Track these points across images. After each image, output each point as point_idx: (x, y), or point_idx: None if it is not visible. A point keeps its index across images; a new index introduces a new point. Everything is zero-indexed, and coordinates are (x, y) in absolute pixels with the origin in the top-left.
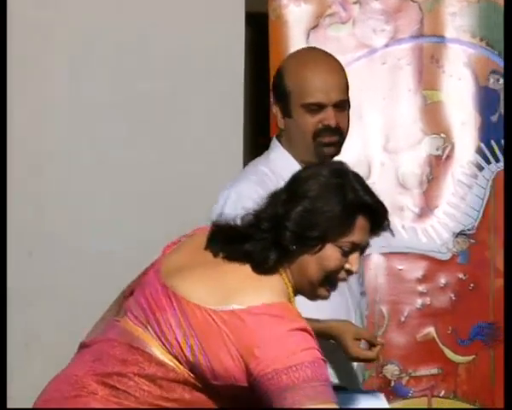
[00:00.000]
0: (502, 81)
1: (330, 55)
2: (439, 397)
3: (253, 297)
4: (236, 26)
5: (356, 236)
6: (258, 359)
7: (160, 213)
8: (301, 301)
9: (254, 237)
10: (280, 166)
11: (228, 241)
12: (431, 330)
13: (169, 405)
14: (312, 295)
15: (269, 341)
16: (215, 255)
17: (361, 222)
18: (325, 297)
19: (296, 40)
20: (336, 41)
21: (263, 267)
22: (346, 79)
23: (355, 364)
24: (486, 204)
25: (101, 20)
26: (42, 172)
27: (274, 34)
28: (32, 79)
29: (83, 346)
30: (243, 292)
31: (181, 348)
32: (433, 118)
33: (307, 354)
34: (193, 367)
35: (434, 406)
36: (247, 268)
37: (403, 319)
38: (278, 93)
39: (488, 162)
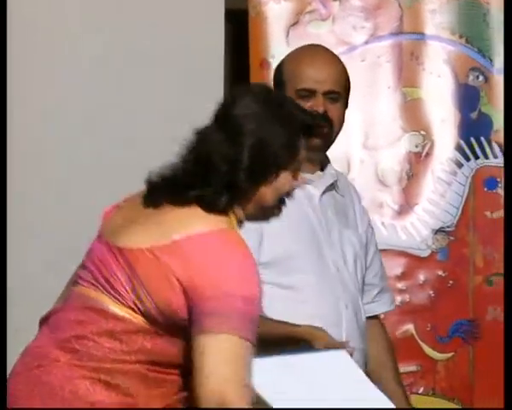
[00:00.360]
0: (481, 78)
1: (330, 51)
2: (418, 394)
3: (193, 225)
4: (216, 23)
5: (301, 154)
6: (197, 286)
7: None
8: (284, 295)
9: (201, 182)
10: None
11: (170, 191)
12: (410, 327)
13: (132, 358)
14: (266, 218)
15: (208, 267)
16: (157, 206)
17: (302, 140)
18: (278, 214)
19: (276, 37)
20: (316, 38)
21: (213, 209)
22: (344, 74)
23: None
24: (465, 201)
25: (90, 20)
26: (42, 172)
27: (254, 31)
28: (33, 78)
29: (42, 322)
30: (184, 223)
31: (131, 298)
32: (413, 115)
33: (245, 285)
34: (145, 315)
35: (413, 402)
36: (192, 209)
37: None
38: (276, 86)
39: (467, 159)
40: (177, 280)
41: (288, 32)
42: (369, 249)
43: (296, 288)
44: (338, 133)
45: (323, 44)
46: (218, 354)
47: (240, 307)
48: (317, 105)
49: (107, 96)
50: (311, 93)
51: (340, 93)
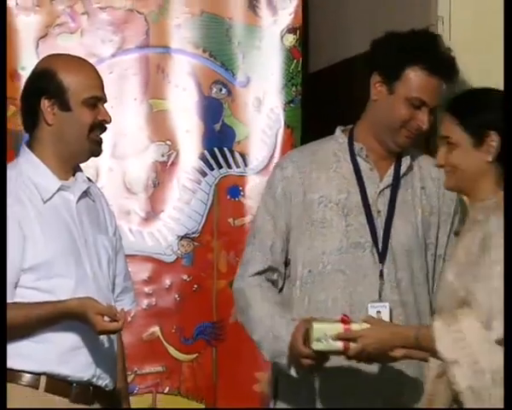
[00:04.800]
0: (224, 91)
1: None
2: (164, 394)
3: None
4: None
5: None
6: None
7: None
8: (44, 299)
9: None
10: (28, 169)
11: None
12: (156, 329)
13: None
14: None
15: None
16: None
17: None
18: None
19: (26, 49)
20: (65, 50)
21: None
22: None
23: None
24: (210, 209)
25: None
26: None
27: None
28: None
29: None
30: None
31: None
32: (159, 126)
33: None
34: None
35: (159, 402)
36: None
37: (129, 318)
38: (51, 89)
39: (211, 169)
40: None
41: (37, 45)
42: (117, 251)
43: (54, 292)
44: None
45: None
46: None
47: None
48: (103, 115)
49: None
50: (97, 101)
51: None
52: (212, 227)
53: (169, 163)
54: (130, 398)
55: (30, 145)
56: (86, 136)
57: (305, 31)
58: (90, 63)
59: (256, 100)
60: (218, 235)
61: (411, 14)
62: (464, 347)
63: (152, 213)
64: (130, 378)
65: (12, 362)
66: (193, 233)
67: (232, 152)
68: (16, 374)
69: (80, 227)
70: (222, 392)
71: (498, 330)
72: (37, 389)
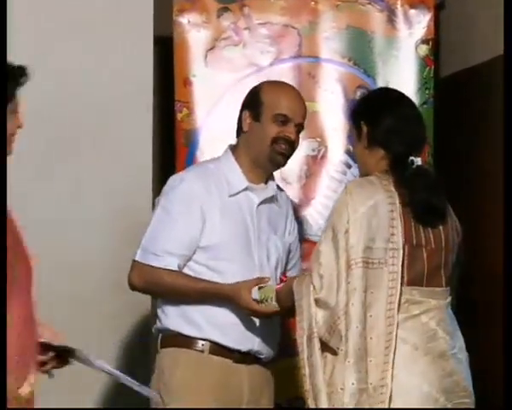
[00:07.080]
0: None
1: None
2: None
3: None
4: (146, 48)
5: None
6: None
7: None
8: (211, 275)
9: None
10: (225, 167)
11: None
12: None
13: None
14: None
15: None
16: None
17: None
18: None
19: (196, 59)
20: (230, 60)
21: None
22: (306, 109)
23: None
24: None
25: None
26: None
27: (178, 54)
28: None
29: None
30: None
31: None
32: (310, 125)
33: None
34: None
35: None
36: None
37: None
38: (252, 102)
39: (355, 162)
40: None
41: (206, 56)
42: (292, 257)
43: (220, 272)
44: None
45: (236, 66)
46: None
47: None
48: (289, 132)
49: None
50: (286, 120)
51: (304, 127)
52: None
53: (319, 157)
54: (287, 359)
55: (232, 148)
56: (268, 146)
57: (437, 41)
58: (296, 91)
59: None
60: None
61: None
62: (300, 305)
63: (304, 200)
64: (287, 343)
65: (185, 329)
66: None
67: None
68: (188, 340)
69: (257, 225)
70: None
71: (317, 291)
72: (203, 352)
